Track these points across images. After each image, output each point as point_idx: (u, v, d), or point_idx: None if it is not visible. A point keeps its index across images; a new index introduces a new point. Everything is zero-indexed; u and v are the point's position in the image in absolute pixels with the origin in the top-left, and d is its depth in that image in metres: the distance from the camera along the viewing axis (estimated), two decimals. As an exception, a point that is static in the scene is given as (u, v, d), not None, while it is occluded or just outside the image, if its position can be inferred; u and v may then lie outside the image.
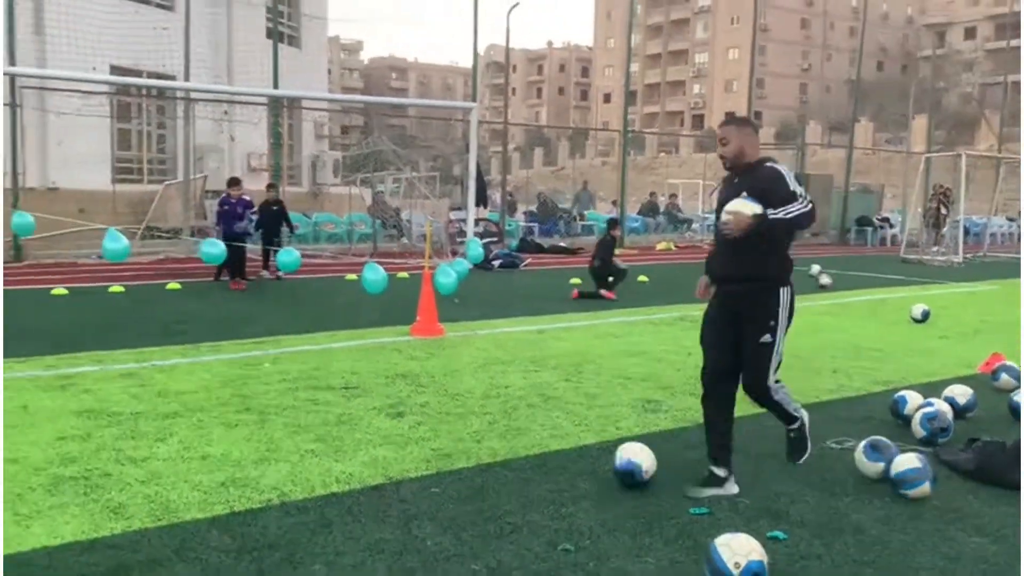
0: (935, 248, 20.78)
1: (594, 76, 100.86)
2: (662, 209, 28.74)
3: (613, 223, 13.44)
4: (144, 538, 3.67)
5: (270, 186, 15.07)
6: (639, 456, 4.38)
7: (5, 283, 12.30)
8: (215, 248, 10.04)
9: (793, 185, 4.16)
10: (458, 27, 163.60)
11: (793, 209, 4.04)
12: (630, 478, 4.34)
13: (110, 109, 20.17)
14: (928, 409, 5.36)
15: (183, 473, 4.48)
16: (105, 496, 4.13)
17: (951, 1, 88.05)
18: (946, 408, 5.49)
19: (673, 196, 32.23)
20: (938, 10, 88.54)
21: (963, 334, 9.54)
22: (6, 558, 3.45)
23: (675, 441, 5.19)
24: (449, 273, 9.37)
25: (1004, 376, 6.70)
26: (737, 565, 3.20)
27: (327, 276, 13.94)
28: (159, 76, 20.75)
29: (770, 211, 4.03)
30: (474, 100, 20.18)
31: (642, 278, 13.54)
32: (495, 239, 19.91)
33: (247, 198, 13.17)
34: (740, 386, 4.41)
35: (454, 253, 16.27)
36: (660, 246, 22.66)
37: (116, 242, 9.09)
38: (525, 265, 16.65)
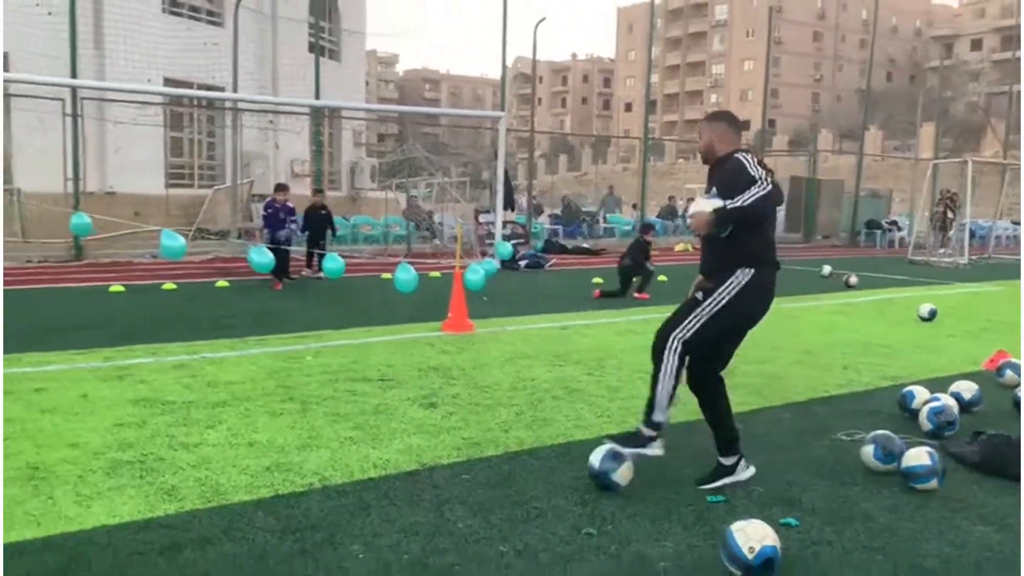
0: (942, 250, 20.51)
1: (616, 86, 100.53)
2: (680, 212, 28.57)
3: (647, 228, 13.39)
4: (195, 518, 3.71)
5: (318, 191, 14.94)
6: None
7: (66, 281, 12.49)
8: (263, 257, 10.09)
9: (754, 171, 3.92)
10: (488, 41, 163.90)
11: (750, 195, 3.83)
12: (610, 487, 4.12)
13: (164, 119, 20.41)
14: (935, 404, 5.30)
15: (231, 458, 4.52)
16: (159, 479, 4.18)
17: (958, 14, 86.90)
18: (952, 403, 5.42)
19: (691, 200, 32.02)
20: (945, 23, 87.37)
21: (969, 332, 9.41)
22: (71, 535, 3.51)
23: (691, 432, 5.15)
24: (478, 271, 9.38)
25: (1008, 373, 6.60)
26: (751, 550, 3.19)
27: (365, 275, 14.00)
28: (209, 88, 20.96)
29: (729, 202, 3.86)
30: (502, 109, 20.15)
31: (662, 278, 13.45)
32: (522, 241, 19.91)
33: (291, 204, 13.12)
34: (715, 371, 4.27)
35: (483, 254, 16.28)
36: (678, 247, 22.54)
37: (174, 240, 9.21)
38: (550, 265, 16.63)
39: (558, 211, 27.02)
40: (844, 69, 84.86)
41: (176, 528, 3.59)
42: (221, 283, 12.24)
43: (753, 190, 3.86)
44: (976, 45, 79.58)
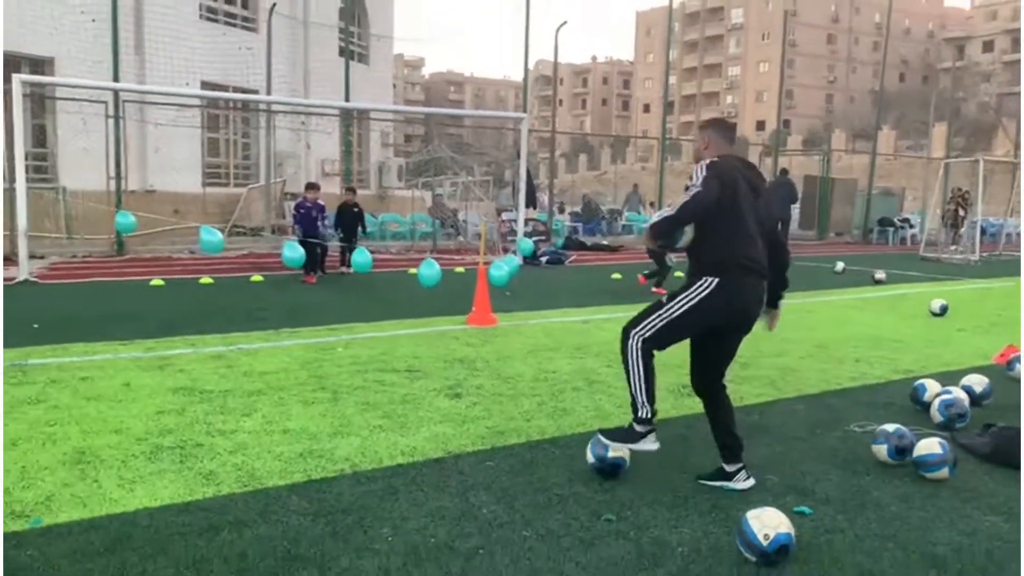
0: (953, 247, 20.25)
1: (635, 88, 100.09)
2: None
3: None
4: (232, 502, 3.75)
5: (350, 189, 14.87)
6: (625, 457, 4.15)
7: (109, 275, 12.64)
8: (294, 252, 10.17)
9: (696, 178, 3.76)
10: (510, 45, 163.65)
11: (678, 203, 3.76)
12: (615, 471, 4.12)
13: (201, 120, 20.59)
14: (946, 396, 5.25)
15: (266, 445, 4.56)
16: (198, 464, 4.22)
17: (970, 17, 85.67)
18: (963, 396, 5.36)
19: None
20: (958, 25, 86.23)
21: (979, 327, 9.30)
22: (115, 516, 3.56)
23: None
24: (502, 267, 9.40)
25: (1018, 366, 6.52)
26: (766, 537, 3.18)
27: (392, 270, 14.05)
28: (244, 90, 21.11)
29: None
30: (525, 111, 20.13)
31: (678, 274, 13.39)
32: (543, 238, 19.89)
33: (321, 202, 13.07)
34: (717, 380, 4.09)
35: (505, 250, 16.29)
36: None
37: (212, 235, 9.30)
38: (570, 261, 16.61)
39: (578, 209, 26.97)
40: (857, 71, 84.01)
41: (214, 511, 3.63)
42: (256, 277, 12.33)
43: (683, 197, 3.76)
44: (988, 47, 78.48)
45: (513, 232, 17.48)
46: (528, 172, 18.10)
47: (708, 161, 3.84)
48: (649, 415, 3.95)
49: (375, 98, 25.69)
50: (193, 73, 19.52)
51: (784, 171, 20.28)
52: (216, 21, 22.70)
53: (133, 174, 17.19)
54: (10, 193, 13.05)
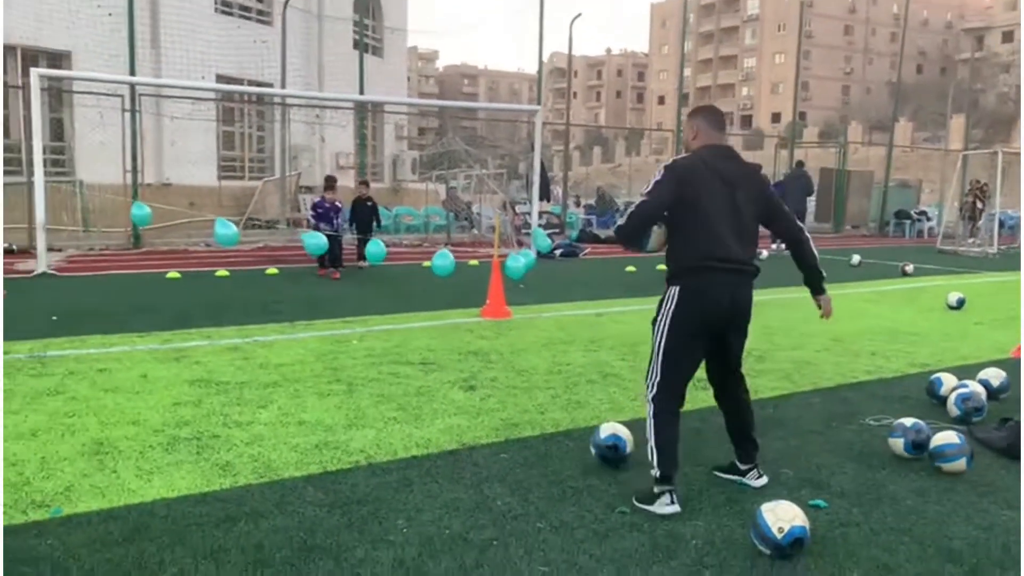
0: (971, 240, 20.08)
1: (649, 80, 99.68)
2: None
3: None
4: (249, 493, 3.78)
5: (364, 183, 14.72)
6: (621, 431, 4.24)
7: (126, 268, 12.73)
8: (316, 239, 10.19)
9: (657, 174, 3.64)
10: (524, 37, 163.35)
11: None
12: (614, 452, 4.17)
13: (216, 113, 20.69)
14: (963, 390, 5.21)
15: (282, 436, 4.59)
16: (215, 455, 4.26)
17: (990, 7, 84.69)
18: (980, 389, 5.32)
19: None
20: (977, 15, 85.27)
21: (996, 320, 9.22)
22: (133, 507, 3.59)
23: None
24: (518, 260, 9.41)
25: (1037, 360, 6.47)
26: (781, 530, 3.17)
27: (406, 263, 14.08)
28: (259, 84, 21.20)
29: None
30: (539, 103, 20.11)
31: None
32: (557, 230, 19.87)
33: (339, 203, 12.89)
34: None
35: (520, 243, 16.29)
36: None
37: (227, 228, 9.35)
38: (584, 254, 16.59)
39: (592, 202, 26.92)
40: (874, 62, 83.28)
41: (230, 502, 3.66)
42: (271, 270, 12.38)
43: (634, 202, 3.66)
44: (1007, 37, 77.60)
45: (527, 225, 17.47)
46: (542, 165, 18.08)
47: (670, 161, 3.72)
48: (658, 476, 3.66)
49: (389, 91, 25.70)
50: (208, 67, 19.61)
51: (800, 163, 20.13)
52: (231, 15, 22.77)
53: (149, 167, 17.28)
54: (28, 187, 13.17)
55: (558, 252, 16.07)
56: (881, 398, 5.68)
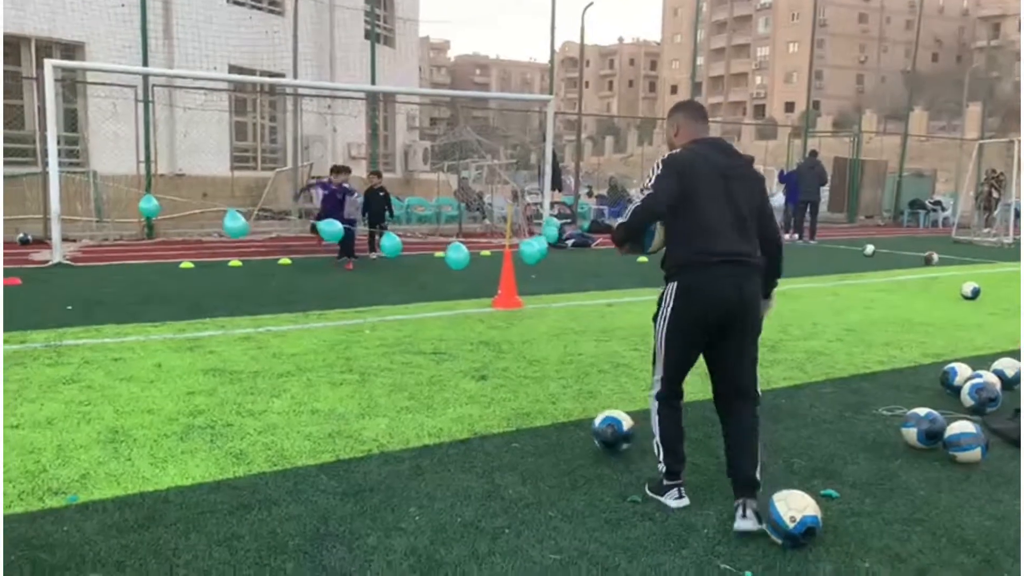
0: (986, 230, 19.93)
1: (661, 69, 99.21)
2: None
3: None
4: (262, 481, 3.80)
5: (375, 173, 14.67)
6: (614, 413, 4.30)
7: (140, 258, 12.80)
8: (332, 226, 10.20)
9: (652, 172, 3.54)
10: (536, 27, 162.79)
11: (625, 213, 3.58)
12: (613, 433, 4.17)
13: (229, 104, 20.72)
14: (977, 380, 5.18)
15: (295, 425, 4.61)
16: (228, 444, 4.28)
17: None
18: (994, 379, 5.29)
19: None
20: (993, 2, 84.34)
21: (1011, 311, 9.15)
22: (147, 494, 3.62)
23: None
24: (533, 245, 9.40)
25: (1052, 351, 6.43)
26: (792, 519, 3.17)
27: (418, 253, 14.10)
28: (271, 74, 21.19)
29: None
30: (551, 93, 20.05)
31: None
32: (569, 221, 19.84)
33: (347, 185, 12.82)
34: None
35: (531, 233, 16.27)
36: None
37: (235, 221, 9.38)
38: (596, 244, 16.56)
39: (604, 192, 26.86)
40: (889, 51, 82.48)
41: (244, 489, 3.69)
42: (284, 260, 12.42)
43: (637, 198, 3.56)
44: (1024, 25, 76.66)
45: (539, 215, 17.45)
46: (554, 155, 18.04)
47: (666, 156, 3.59)
48: (664, 469, 3.64)
49: (401, 81, 25.67)
50: (221, 57, 19.61)
51: (813, 153, 20.01)
52: (243, 5, 22.74)
53: (162, 158, 17.33)
54: (43, 177, 13.25)
55: (570, 242, 16.06)
56: (894, 388, 5.65)
